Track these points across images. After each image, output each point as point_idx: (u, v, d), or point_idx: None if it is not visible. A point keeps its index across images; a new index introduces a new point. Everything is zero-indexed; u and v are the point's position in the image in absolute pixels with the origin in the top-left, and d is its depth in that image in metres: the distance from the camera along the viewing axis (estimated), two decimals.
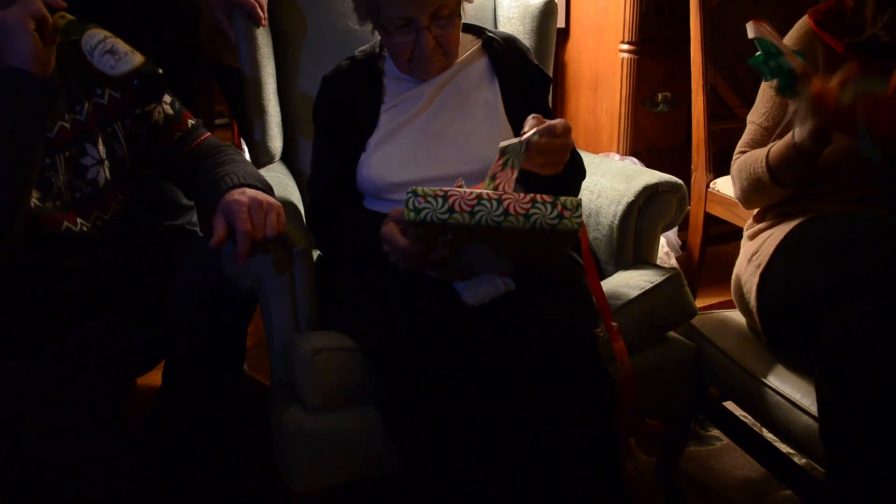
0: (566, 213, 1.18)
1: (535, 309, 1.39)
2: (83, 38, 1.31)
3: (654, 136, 2.61)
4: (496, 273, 1.39)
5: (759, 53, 1.32)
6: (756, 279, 1.51)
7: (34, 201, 1.36)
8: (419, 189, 1.20)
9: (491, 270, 1.39)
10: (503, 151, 1.27)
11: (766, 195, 1.54)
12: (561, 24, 2.70)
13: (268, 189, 1.45)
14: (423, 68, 1.55)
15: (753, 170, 1.50)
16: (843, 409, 1.24)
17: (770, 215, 1.59)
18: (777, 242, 1.48)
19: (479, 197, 1.19)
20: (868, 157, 1.23)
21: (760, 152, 1.49)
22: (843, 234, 1.36)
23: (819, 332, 1.27)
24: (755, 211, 1.64)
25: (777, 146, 1.45)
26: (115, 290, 1.53)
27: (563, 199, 1.19)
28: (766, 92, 1.56)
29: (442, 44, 1.51)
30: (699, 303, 2.52)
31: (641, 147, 2.58)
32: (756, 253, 1.54)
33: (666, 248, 2.35)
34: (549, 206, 1.18)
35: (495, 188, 1.25)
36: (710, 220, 2.32)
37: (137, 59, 1.31)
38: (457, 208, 1.18)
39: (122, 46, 1.32)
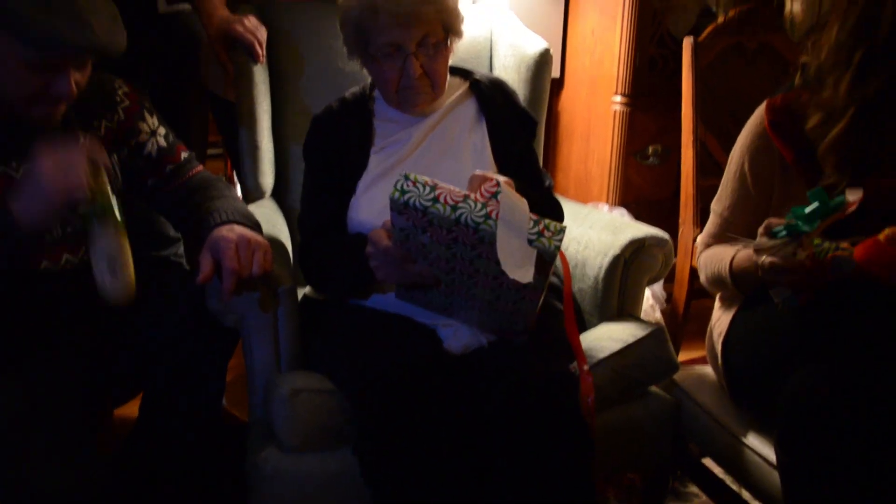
0: (546, 234, 1.19)
1: (513, 356, 1.39)
2: (94, 225, 1.28)
3: (643, 188, 2.63)
4: (473, 324, 1.39)
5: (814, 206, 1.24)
6: (720, 347, 1.53)
7: None
8: (411, 175, 1.21)
9: (468, 316, 1.39)
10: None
11: (730, 292, 1.55)
12: (556, 74, 2.73)
13: (256, 226, 1.46)
14: (410, 99, 1.57)
15: (717, 270, 1.52)
16: (800, 474, 1.26)
17: None
18: (732, 314, 1.52)
19: (466, 196, 1.20)
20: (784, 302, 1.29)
21: (725, 255, 1.49)
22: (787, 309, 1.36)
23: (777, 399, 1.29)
24: None
25: (740, 257, 1.45)
26: (97, 319, 1.52)
27: (547, 220, 1.20)
28: (729, 182, 1.55)
29: (428, 72, 1.53)
30: (683, 356, 2.53)
31: (631, 198, 2.60)
32: (718, 321, 1.58)
33: (651, 300, 2.36)
34: (532, 222, 1.19)
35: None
36: (695, 273, 2.33)
37: (126, 287, 1.31)
38: (441, 200, 1.19)
39: (123, 260, 1.31)
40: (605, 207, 2.43)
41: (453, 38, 1.57)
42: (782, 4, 2.80)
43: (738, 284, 1.48)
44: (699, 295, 2.54)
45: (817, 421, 1.21)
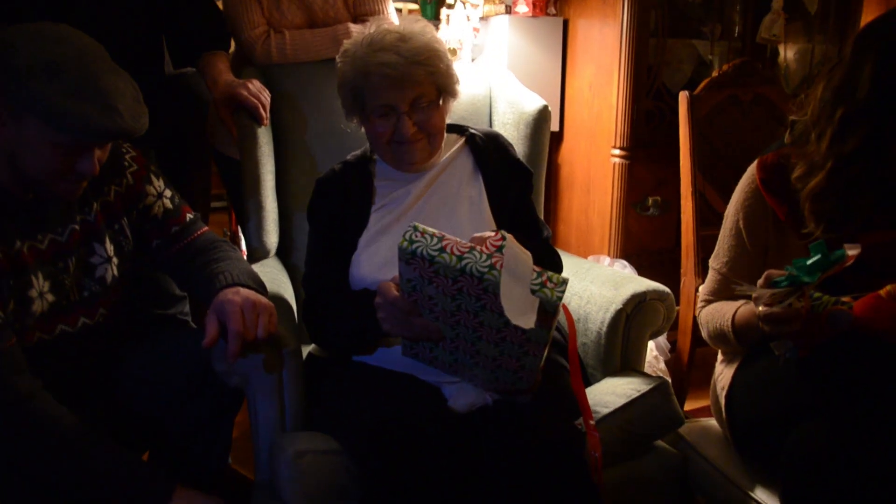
0: (549, 285, 1.21)
1: (518, 413, 1.39)
2: None
3: (644, 239, 2.65)
4: (477, 383, 1.40)
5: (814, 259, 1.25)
6: (723, 400, 1.54)
7: (47, 303, 1.39)
8: (419, 225, 1.24)
9: (472, 375, 1.40)
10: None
11: (732, 347, 1.57)
12: (555, 127, 2.78)
13: (261, 288, 1.48)
14: (405, 156, 1.60)
15: (719, 325, 1.53)
16: None
17: None
18: (735, 367, 1.53)
19: (472, 248, 1.23)
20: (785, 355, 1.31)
21: (727, 310, 1.51)
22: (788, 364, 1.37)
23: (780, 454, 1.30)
24: None
25: (742, 312, 1.47)
26: (103, 379, 1.53)
27: (550, 273, 1.23)
28: (725, 239, 1.58)
29: (424, 128, 1.57)
30: (689, 405, 2.52)
31: (632, 249, 2.62)
32: (720, 375, 1.58)
33: (654, 351, 2.36)
34: (535, 274, 1.22)
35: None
36: (698, 323, 2.34)
37: None
38: (448, 250, 1.22)
39: None
40: (606, 260, 2.45)
41: (447, 97, 1.61)
42: (775, 57, 2.87)
43: (740, 339, 1.49)
44: (703, 343, 2.54)
45: (820, 477, 1.21)
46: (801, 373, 1.33)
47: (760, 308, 1.27)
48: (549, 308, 1.21)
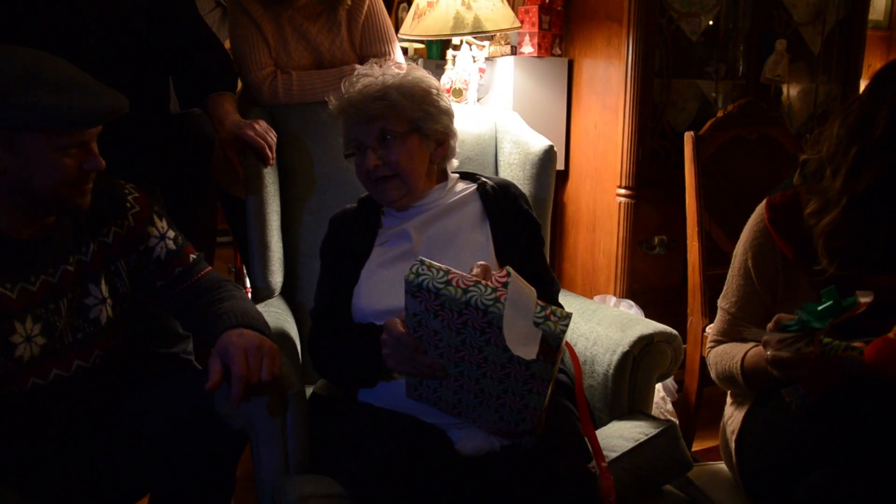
0: (552, 318, 1.22)
1: (529, 456, 1.38)
2: None
3: (650, 278, 2.64)
4: (482, 425, 1.39)
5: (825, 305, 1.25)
6: (733, 445, 1.52)
7: (38, 347, 1.38)
8: (426, 260, 1.26)
9: (477, 415, 1.39)
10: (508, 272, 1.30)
11: (741, 390, 1.56)
12: (560, 166, 2.78)
13: (265, 329, 1.47)
14: (380, 195, 1.66)
15: (728, 367, 1.52)
16: None
17: None
18: (745, 411, 1.51)
19: (478, 282, 1.24)
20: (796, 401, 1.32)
21: (737, 352, 1.50)
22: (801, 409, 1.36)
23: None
24: None
25: (751, 355, 1.46)
26: (105, 419, 1.52)
27: (553, 307, 1.24)
28: (734, 279, 1.57)
29: (388, 164, 1.61)
30: (697, 445, 2.49)
31: (638, 289, 2.61)
32: (730, 418, 1.56)
33: (662, 392, 2.34)
34: (539, 307, 1.23)
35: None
36: (706, 363, 2.32)
37: None
38: (453, 283, 1.23)
39: None
40: (612, 300, 2.44)
41: (421, 136, 1.64)
42: (779, 97, 2.88)
43: (749, 382, 1.48)
44: (711, 383, 2.51)
45: None
46: (813, 419, 1.31)
47: (769, 352, 1.26)
48: (553, 341, 1.21)
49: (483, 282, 1.24)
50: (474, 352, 1.28)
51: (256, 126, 1.90)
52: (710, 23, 2.71)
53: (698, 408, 2.39)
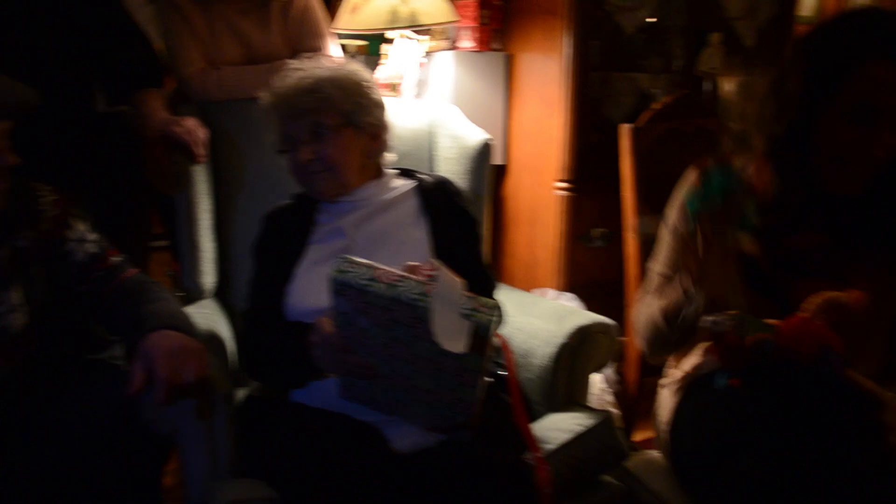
0: (481, 309, 1.21)
1: (464, 450, 1.37)
2: None
3: (590, 271, 2.64)
4: (416, 421, 1.38)
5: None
6: (666, 433, 1.54)
7: None
8: (350, 257, 1.24)
9: (411, 412, 1.37)
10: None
11: (663, 336, 1.52)
12: (500, 161, 2.78)
13: (191, 330, 1.43)
14: (310, 185, 1.65)
15: (651, 311, 1.52)
16: None
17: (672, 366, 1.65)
18: (674, 402, 1.53)
19: (404, 277, 1.22)
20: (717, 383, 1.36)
21: (658, 301, 1.51)
22: (724, 395, 1.37)
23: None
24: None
25: (672, 298, 1.47)
26: (24, 427, 1.46)
27: (482, 298, 1.23)
28: (664, 240, 1.58)
29: (321, 158, 1.60)
30: (639, 434, 2.51)
31: (579, 282, 2.61)
32: (663, 406, 1.59)
33: (602, 383, 2.35)
34: (467, 299, 1.22)
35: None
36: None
37: None
38: (379, 279, 1.21)
39: None
40: (551, 293, 2.44)
41: (354, 129, 1.63)
42: (715, 90, 2.91)
43: (669, 322, 1.47)
44: (651, 373, 2.54)
45: None
46: (737, 403, 1.33)
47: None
48: (482, 332, 1.20)
49: (409, 276, 1.22)
50: (404, 348, 1.26)
51: (185, 123, 1.86)
52: (647, 18, 2.73)
53: (639, 398, 2.40)
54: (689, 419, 1.49)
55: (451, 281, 1.24)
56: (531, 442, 1.42)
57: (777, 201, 1.38)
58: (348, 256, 1.24)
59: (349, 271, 1.21)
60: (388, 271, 1.22)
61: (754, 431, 1.28)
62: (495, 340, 1.37)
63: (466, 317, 1.20)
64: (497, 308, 1.22)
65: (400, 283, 1.20)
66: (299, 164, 1.61)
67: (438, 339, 1.19)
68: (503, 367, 1.70)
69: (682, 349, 1.60)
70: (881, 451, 1.23)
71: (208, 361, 1.35)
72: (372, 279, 1.21)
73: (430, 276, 1.23)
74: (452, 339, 1.19)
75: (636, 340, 1.62)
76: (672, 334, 1.50)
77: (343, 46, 2.86)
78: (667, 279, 1.55)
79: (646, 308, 1.54)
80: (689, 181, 1.55)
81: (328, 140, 1.60)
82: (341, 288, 1.22)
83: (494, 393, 1.50)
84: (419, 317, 1.20)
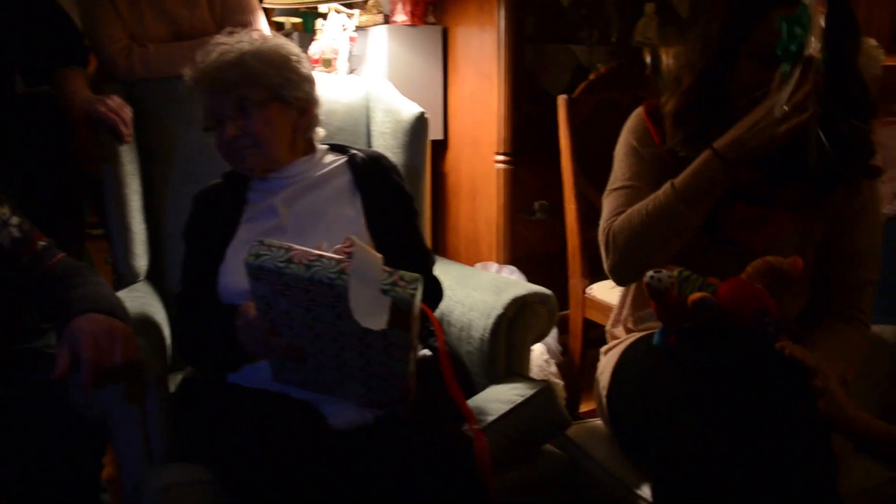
0: (401, 283, 1.20)
1: (402, 425, 1.36)
2: None
3: (532, 244, 2.66)
4: (353, 399, 1.36)
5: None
6: (605, 399, 1.54)
7: None
8: (266, 240, 1.22)
9: (346, 391, 1.36)
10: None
11: (658, 243, 1.45)
12: (439, 135, 2.76)
13: (121, 313, 1.39)
14: (237, 161, 1.62)
15: (648, 208, 1.44)
16: None
17: (617, 323, 1.67)
18: (612, 366, 1.53)
19: (320, 256, 1.20)
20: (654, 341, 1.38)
21: (658, 192, 1.46)
22: (662, 358, 1.39)
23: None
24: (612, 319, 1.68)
25: (682, 176, 1.43)
26: None
27: (402, 272, 1.22)
28: (620, 163, 1.57)
29: (248, 133, 1.57)
30: (584, 406, 2.53)
31: (521, 255, 2.62)
32: (602, 372, 1.59)
33: (546, 354, 2.36)
34: (386, 274, 1.21)
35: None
36: (590, 324, 2.36)
37: None
38: (295, 260, 1.19)
39: None
40: (494, 267, 2.44)
41: (282, 104, 1.60)
42: (656, 61, 2.93)
43: (687, 200, 1.41)
44: (595, 344, 2.57)
45: (687, 475, 1.22)
46: (672, 367, 1.34)
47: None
48: (403, 306, 1.19)
49: (326, 255, 1.21)
50: (328, 327, 1.25)
51: (109, 101, 1.80)
52: None
53: (583, 369, 2.43)
54: (626, 383, 1.50)
55: (370, 257, 1.23)
56: (467, 413, 1.42)
57: (695, 135, 1.45)
58: (264, 240, 1.22)
59: (264, 254, 1.20)
60: (305, 251, 1.21)
61: (691, 394, 1.29)
62: (422, 313, 1.36)
63: (385, 292, 1.19)
64: (417, 280, 1.21)
65: (316, 263, 1.19)
66: (226, 140, 1.58)
67: (357, 316, 1.18)
68: (448, 344, 1.70)
69: (662, 260, 1.46)
70: (815, 412, 1.26)
71: (137, 344, 1.32)
72: (288, 261, 1.19)
73: (347, 252, 1.21)
74: (372, 315, 1.18)
75: (609, 258, 1.51)
76: (688, 211, 1.42)
77: (280, 23, 2.81)
78: (634, 189, 1.52)
79: (639, 209, 1.46)
80: (634, 114, 1.61)
81: (254, 115, 1.56)
82: (257, 272, 1.20)
83: (432, 366, 1.49)
84: (338, 295, 1.19)
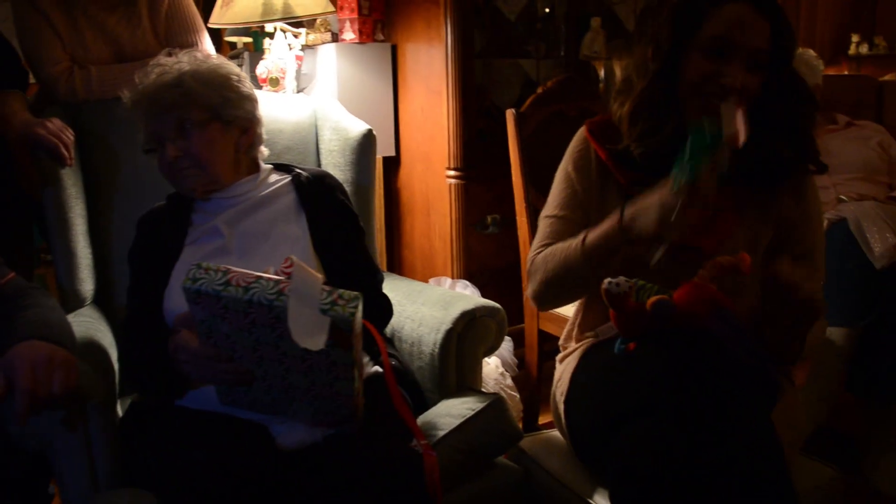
0: (340, 302, 1.19)
1: (350, 444, 1.35)
2: None
3: (486, 258, 2.67)
4: (302, 419, 1.36)
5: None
6: (562, 407, 1.54)
7: None
8: (203, 263, 1.21)
9: (295, 411, 1.35)
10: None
11: (575, 280, 1.52)
12: (391, 152, 2.77)
13: (65, 339, 1.36)
14: (180, 183, 1.61)
15: (564, 255, 1.50)
16: None
17: (569, 339, 1.67)
18: (571, 373, 1.53)
19: (259, 277, 1.20)
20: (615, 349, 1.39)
21: (575, 239, 1.51)
22: (620, 363, 1.40)
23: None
24: (565, 334, 1.69)
25: (595, 233, 1.47)
26: None
27: (342, 290, 1.21)
28: (556, 189, 1.62)
29: (189, 154, 1.56)
30: (543, 418, 2.54)
31: (475, 269, 2.63)
32: (559, 380, 1.59)
33: (501, 367, 2.36)
34: (325, 293, 1.20)
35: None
36: (546, 336, 2.37)
37: None
38: (233, 283, 1.18)
39: None
40: (447, 282, 2.44)
41: (223, 124, 1.59)
42: (609, 75, 2.97)
43: (590, 259, 1.46)
44: (551, 356, 2.58)
45: (642, 477, 1.22)
46: (629, 372, 1.35)
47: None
48: (343, 326, 1.19)
49: (265, 276, 1.20)
50: (271, 349, 1.24)
51: (49, 124, 1.77)
52: (527, 4, 2.76)
53: (540, 381, 2.43)
54: (585, 389, 1.50)
55: (309, 277, 1.22)
56: (414, 429, 1.41)
57: (649, 132, 1.48)
58: (202, 263, 1.21)
59: (201, 278, 1.19)
60: (243, 273, 1.20)
61: (647, 397, 1.30)
62: (366, 330, 1.36)
63: (325, 312, 1.18)
64: (357, 299, 1.20)
65: (255, 285, 1.18)
66: (167, 161, 1.56)
67: (296, 337, 1.17)
68: (398, 359, 1.70)
69: (574, 297, 1.64)
70: (769, 416, 1.28)
71: (77, 372, 1.29)
72: (226, 283, 1.18)
73: (287, 273, 1.20)
74: (311, 335, 1.17)
75: (530, 285, 1.58)
76: (589, 271, 1.48)
77: (233, 43, 2.80)
78: (563, 220, 1.58)
79: (558, 251, 1.52)
80: (577, 134, 1.63)
81: (194, 136, 1.55)
82: (195, 296, 1.19)
83: (381, 383, 1.49)
84: (277, 316, 1.18)
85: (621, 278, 1.32)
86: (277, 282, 1.19)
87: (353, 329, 1.19)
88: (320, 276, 1.24)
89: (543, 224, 1.62)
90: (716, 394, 1.26)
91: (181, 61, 1.59)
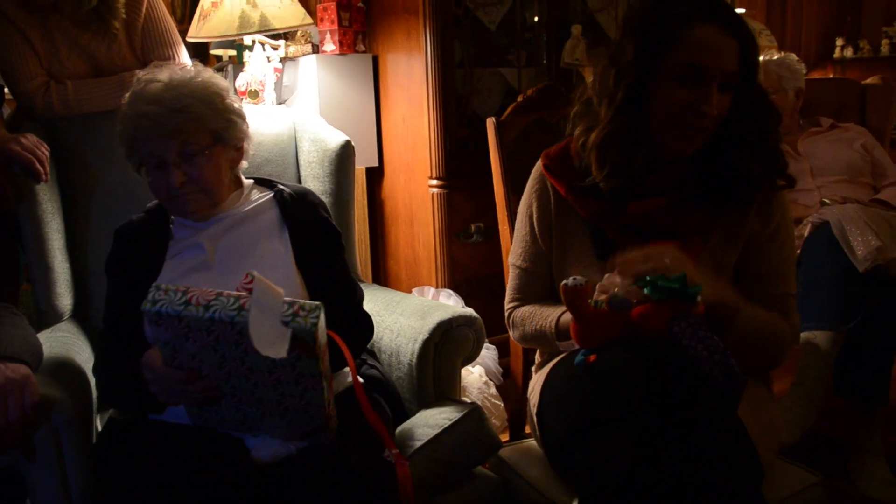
0: (301, 313, 1.19)
1: (324, 456, 1.35)
2: None
3: (471, 267, 2.66)
4: (275, 433, 1.35)
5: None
6: (535, 416, 1.54)
7: None
8: (162, 285, 1.21)
9: (266, 426, 1.34)
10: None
11: (549, 347, 1.60)
12: (374, 162, 2.77)
13: (32, 358, 1.35)
14: (181, 207, 1.56)
15: (541, 327, 1.56)
16: None
17: (543, 350, 1.68)
18: (542, 382, 1.53)
19: (219, 294, 1.20)
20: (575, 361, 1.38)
21: (550, 313, 1.55)
22: (584, 373, 1.40)
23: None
24: None
25: (566, 317, 1.50)
26: None
27: (303, 301, 1.21)
28: (519, 232, 1.64)
29: (194, 179, 1.52)
30: (528, 427, 2.52)
31: (460, 278, 2.62)
32: (532, 391, 1.59)
33: (485, 377, 2.36)
34: (286, 306, 1.20)
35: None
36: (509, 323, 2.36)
37: None
38: (193, 302, 1.19)
39: None
40: (430, 291, 2.44)
41: (223, 146, 1.57)
42: (578, 80, 2.97)
43: (563, 335, 1.51)
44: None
45: (607, 485, 1.22)
46: (594, 380, 1.34)
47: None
48: (305, 336, 1.19)
49: (224, 293, 1.20)
50: (238, 365, 1.24)
51: (24, 140, 1.76)
52: (507, 13, 2.76)
53: (526, 390, 2.42)
54: (553, 398, 1.50)
55: (270, 291, 1.22)
56: (386, 439, 1.41)
57: (620, 166, 1.45)
58: (161, 285, 1.21)
59: (160, 300, 1.19)
60: (203, 292, 1.20)
61: (613, 405, 1.30)
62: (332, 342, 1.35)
63: (286, 324, 1.18)
64: (318, 309, 1.20)
65: (215, 303, 1.18)
66: (168, 185, 1.51)
67: (259, 350, 1.17)
68: (378, 369, 1.69)
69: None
70: (735, 421, 1.27)
71: (36, 399, 1.27)
72: (186, 303, 1.18)
73: (248, 289, 1.20)
74: (273, 347, 1.17)
75: (512, 334, 1.66)
76: (560, 344, 1.55)
77: (218, 56, 2.80)
78: (529, 273, 1.62)
79: (536, 318, 1.58)
80: (535, 169, 1.62)
81: (201, 162, 1.52)
82: (156, 318, 1.20)
83: (347, 394, 1.49)
84: (240, 332, 1.18)
85: (580, 277, 1.32)
86: (238, 297, 1.19)
87: (316, 339, 1.19)
88: (280, 290, 1.24)
89: (512, 273, 1.66)
90: (680, 399, 1.25)
91: (174, 77, 1.54)
